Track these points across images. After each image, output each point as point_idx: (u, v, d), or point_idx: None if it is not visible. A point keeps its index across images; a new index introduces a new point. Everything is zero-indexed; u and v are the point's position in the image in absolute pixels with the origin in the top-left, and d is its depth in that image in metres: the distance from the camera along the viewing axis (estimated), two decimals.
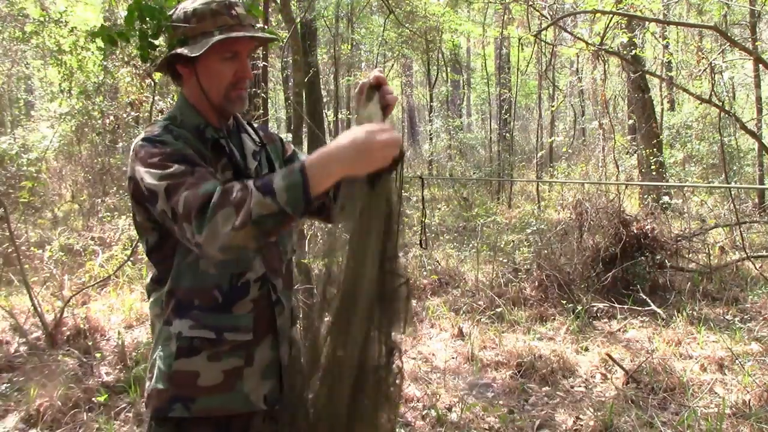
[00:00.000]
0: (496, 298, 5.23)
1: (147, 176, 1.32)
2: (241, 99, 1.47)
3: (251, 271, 1.46)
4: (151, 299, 1.50)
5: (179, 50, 1.41)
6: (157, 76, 6.31)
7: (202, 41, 1.40)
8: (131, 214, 1.52)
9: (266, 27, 4.37)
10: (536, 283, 5.45)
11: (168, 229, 1.36)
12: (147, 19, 1.57)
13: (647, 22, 8.39)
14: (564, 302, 5.10)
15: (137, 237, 1.68)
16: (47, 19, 7.65)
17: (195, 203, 1.23)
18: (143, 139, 1.38)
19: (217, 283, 1.42)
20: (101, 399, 3.49)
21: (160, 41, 1.65)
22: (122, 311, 4.98)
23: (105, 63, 7.50)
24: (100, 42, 1.53)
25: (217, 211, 1.20)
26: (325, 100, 13.92)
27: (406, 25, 12.24)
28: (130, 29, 1.66)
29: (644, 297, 5.05)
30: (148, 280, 1.52)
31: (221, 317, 1.42)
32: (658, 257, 5.43)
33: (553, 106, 12.81)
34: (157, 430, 1.44)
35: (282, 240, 1.56)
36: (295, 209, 1.20)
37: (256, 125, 1.67)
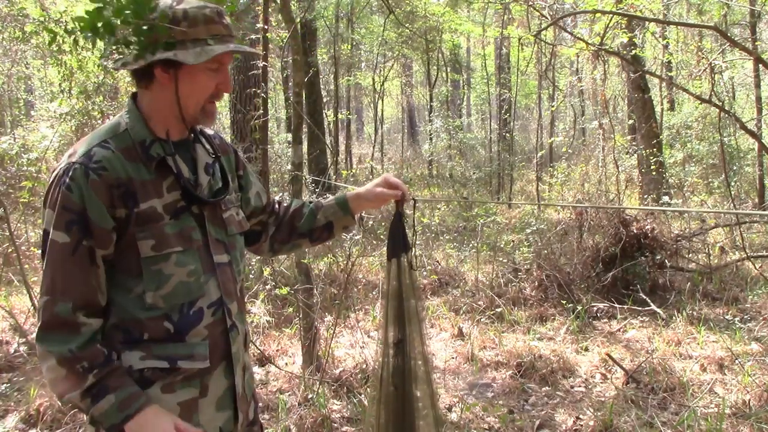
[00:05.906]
0: (496, 298, 5.23)
1: (47, 230, 1.30)
2: (213, 113, 1.43)
3: (205, 296, 1.40)
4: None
5: (169, 54, 1.30)
6: (121, 75, 6.26)
7: (193, 48, 1.31)
8: None
9: (266, 27, 4.36)
10: (536, 283, 5.45)
11: (110, 261, 1.33)
12: (138, 14, 1.30)
13: (647, 22, 8.40)
14: (564, 302, 5.10)
15: None
16: (47, 19, 7.65)
17: (45, 316, 1.27)
18: (59, 178, 1.29)
19: (166, 314, 1.35)
20: None
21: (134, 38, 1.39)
22: None
23: (105, 63, 7.50)
24: (100, 43, 1.40)
25: (52, 357, 1.25)
26: (325, 100, 13.90)
27: (406, 25, 12.23)
28: (119, 20, 1.34)
29: (644, 297, 5.05)
30: None
31: (175, 346, 1.36)
32: (658, 257, 5.43)
33: (553, 106, 12.82)
34: None
35: (236, 259, 1.50)
36: (91, 422, 1.31)
37: (211, 133, 1.57)
